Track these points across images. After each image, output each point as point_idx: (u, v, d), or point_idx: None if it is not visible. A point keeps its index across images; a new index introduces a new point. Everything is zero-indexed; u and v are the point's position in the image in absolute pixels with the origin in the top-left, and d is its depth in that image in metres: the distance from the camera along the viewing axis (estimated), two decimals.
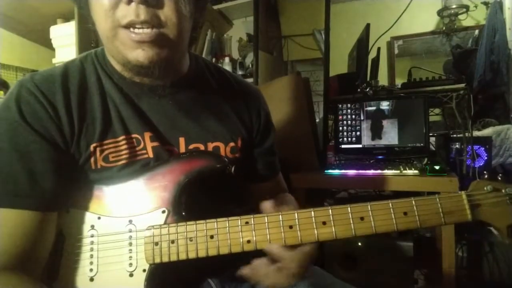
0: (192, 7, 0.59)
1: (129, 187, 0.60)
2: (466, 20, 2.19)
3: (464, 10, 2.13)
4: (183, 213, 0.58)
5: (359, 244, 1.35)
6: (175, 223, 0.56)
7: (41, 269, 0.57)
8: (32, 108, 0.57)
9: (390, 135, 1.47)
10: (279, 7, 2.35)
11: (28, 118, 0.56)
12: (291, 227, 0.54)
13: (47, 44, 2.20)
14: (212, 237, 0.55)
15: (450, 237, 1.16)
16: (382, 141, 1.48)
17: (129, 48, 0.55)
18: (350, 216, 0.54)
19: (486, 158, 1.47)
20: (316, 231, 0.54)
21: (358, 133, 1.52)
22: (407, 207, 0.54)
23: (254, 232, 0.54)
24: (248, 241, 0.54)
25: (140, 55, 0.54)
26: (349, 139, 1.54)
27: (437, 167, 1.21)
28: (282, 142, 1.22)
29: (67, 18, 2.16)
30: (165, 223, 0.57)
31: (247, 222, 0.55)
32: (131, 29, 0.53)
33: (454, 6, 2.12)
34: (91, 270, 0.58)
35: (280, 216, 0.54)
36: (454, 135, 1.56)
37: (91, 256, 0.58)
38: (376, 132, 1.49)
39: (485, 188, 0.55)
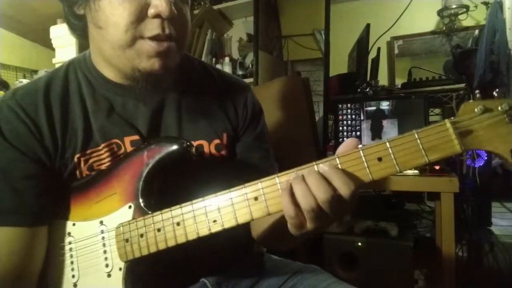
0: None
1: (98, 189, 0.60)
2: (466, 20, 2.19)
3: (464, 10, 2.12)
4: (153, 204, 0.57)
5: (359, 244, 1.35)
6: (142, 217, 0.55)
7: (35, 283, 0.58)
8: (12, 126, 0.57)
9: (390, 135, 1.46)
10: (279, 7, 2.35)
11: (8, 136, 0.56)
12: (256, 198, 0.49)
13: (47, 44, 2.19)
14: (178, 224, 0.53)
15: (450, 237, 1.16)
16: (382, 141, 1.48)
17: (145, 57, 0.56)
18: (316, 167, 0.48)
19: (486, 158, 1.47)
20: None
21: (358, 133, 1.52)
22: (380, 152, 0.46)
23: (219, 211, 0.51)
24: (214, 221, 0.51)
25: (156, 64, 0.56)
26: None
27: (437, 167, 1.21)
28: (282, 142, 1.22)
29: None
30: (133, 218, 0.56)
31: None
32: (152, 40, 0.55)
33: (454, 6, 2.11)
34: (73, 276, 0.59)
35: (244, 189, 0.50)
36: None
37: (72, 262, 0.59)
38: (376, 132, 1.49)
39: (475, 110, 0.44)
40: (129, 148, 0.62)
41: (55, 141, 0.59)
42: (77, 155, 0.60)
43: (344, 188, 0.44)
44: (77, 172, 0.60)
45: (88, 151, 0.60)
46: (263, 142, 0.76)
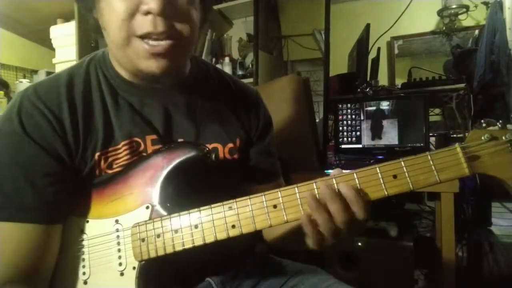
0: (201, 14, 0.60)
1: (114, 187, 0.60)
2: (466, 20, 2.20)
3: (464, 10, 2.13)
4: (169, 206, 0.57)
5: (359, 244, 1.35)
6: (160, 218, 0.56)
7: (48, 281, 0.57)
8: (34, 121, 0.56)
9: (390, 135, 1.47)
10: (279, 7, 2.35)
11: (30, 132, 0.56)
12: (275, 206, 0.52)
13: (47, 44, 2.20)
14: (196, 226, 0.54)
15: (450, 237, 1.17)
16: (382, 141, 1.48)
17: (142, 58, 0.55)
18: (336, 188, 0.51)
19: None
20: (301, 208, 0.51)
21: (358, 133, 1.52)
22: (396, 170, 0.50)
23: (238, 216, 0.53)
24: (233, 226, 0.53)
25: (153, 65, 0.55)
26: (349, 139, 1.54)
27: None
28: (282, 142, 1.22)
29: (67, 18, 2.15)
30: (150, 218, 0.57)
31: (230, 207, 0.53)
32: (146, 40, 0.54)
33: (454, 6, 2.12)
34: (84, 273, 0.58)
35: (263, 196, 0.52)
36: (454, 135, 1.56)
37: (83, 259, 0.59)
38: (376, 132, 1.49)
39: (482, 138, 0.49)
40: (150, 147, 0.62)
41: (77, 138, 0.59)
42: (98, 153, 0.60)
43: (362, 214, 0.49)
44: (97, 170, 0.60)
45: (109, 149, 0.61)
46: (272, 148, 0.80)
